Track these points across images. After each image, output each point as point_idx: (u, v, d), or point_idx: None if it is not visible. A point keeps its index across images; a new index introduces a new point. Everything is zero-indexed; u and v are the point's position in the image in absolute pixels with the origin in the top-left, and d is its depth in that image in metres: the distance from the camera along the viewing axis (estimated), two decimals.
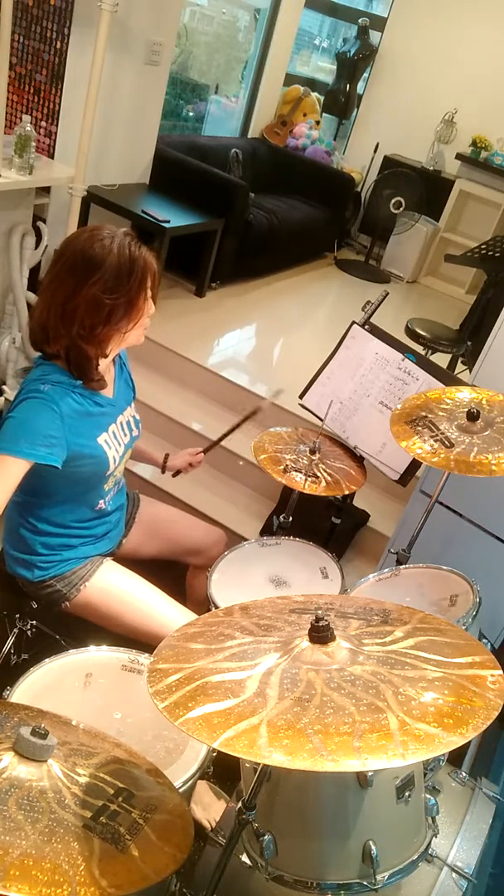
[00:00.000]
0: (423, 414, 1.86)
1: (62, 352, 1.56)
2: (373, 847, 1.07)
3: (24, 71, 3.20)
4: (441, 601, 1.71)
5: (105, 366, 1.66)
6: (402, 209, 5.24)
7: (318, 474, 2.01)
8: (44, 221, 3.20)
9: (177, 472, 2.11)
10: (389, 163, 5.61)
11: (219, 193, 3.94)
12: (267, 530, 2.79)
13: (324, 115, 5.85)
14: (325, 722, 0.85)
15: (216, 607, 1.76)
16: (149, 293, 1.58)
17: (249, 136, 5.51)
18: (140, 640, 1.69)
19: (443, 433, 1.79)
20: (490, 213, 5.45)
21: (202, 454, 2.11)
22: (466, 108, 5.37)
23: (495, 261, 3.77)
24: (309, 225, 4.98)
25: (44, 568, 1.71)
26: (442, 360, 2.87)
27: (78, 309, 1.50)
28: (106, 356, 1.63)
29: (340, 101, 5.72)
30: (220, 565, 1.91)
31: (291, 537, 2.08)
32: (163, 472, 2.09)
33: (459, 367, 3.72)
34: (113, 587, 1.74)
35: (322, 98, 5.82)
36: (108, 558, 1.81)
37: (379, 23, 5.68)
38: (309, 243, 5.16)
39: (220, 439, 2.12)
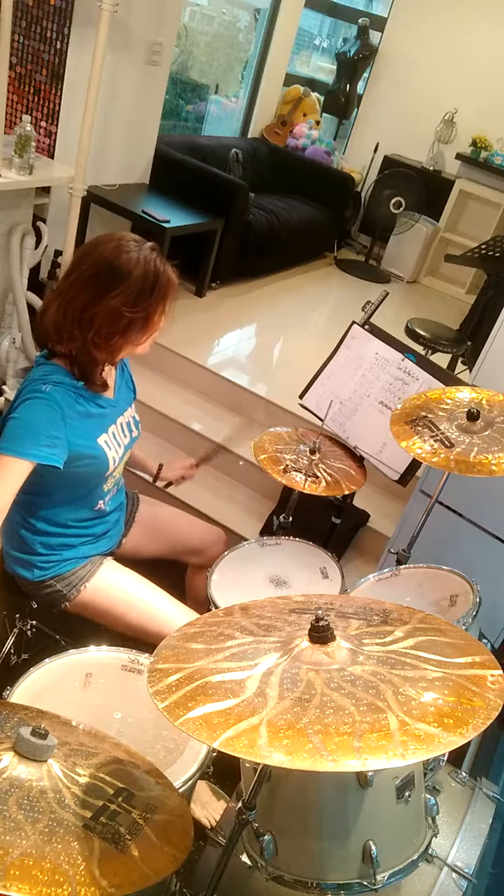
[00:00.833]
0: (423, 414, 1.86)
1: (72, 352, 1.56)
2: (373, 847, 1.07)
3: (24, 71, 3.20)
4: (441, 601, 1.71)
5: (107, 369, 1.66)
6: (402, 209, 5.24)
7: (318, 474, 2.01)
8: (44, 221, 3.20)
9: (168, 484, 2.12)
10: (389, 163, 5.62)
11: (219, 193, 3.94)
12: (267, 530, 2.79)
13: (324, 115, 5.85)
14: (325, 722, 0.85)
15: (216, 607, 1.76)
16: (166, 309, 1.58)
17: (249, 136, 5.51)
18: (141, 639, 1.69)
19: (443, 433, 1.79)
20: (490, 213, 5.45)
21: (195, 467, 2.11)
22: (466, 108, 5.37)
23: (495, 261, 3.77)
24: (309, 225, 4.98)
25: (44, 568, 1.71)
26: (442, 360, 2.87)
27: (96, 317, 1.51)
28: (114, 364, 1.65)
29: (340, 101, 5.72)
30: (220, 565, 1.91)
31: (291, 537, 2.08)
32: (154, 481, 2.08)
33: (459, 367, 3.72)
34: (113, 587, 1.74)
35: (322, 98, 5.82)
36: (108, 558, 1.81)
37: (379, 23, 5.68)
38: (309, 243, 5.16)
39: (216, 451, 2.12)
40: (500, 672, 0.93)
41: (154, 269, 1.53)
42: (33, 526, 1.69)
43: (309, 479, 1.99)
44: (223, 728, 0.85)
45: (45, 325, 1.58)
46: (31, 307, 3.19)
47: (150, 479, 2.09)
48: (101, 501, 1.74)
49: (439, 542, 2.37)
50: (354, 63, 5.58)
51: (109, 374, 1.70)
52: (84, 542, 1.76)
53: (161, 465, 2.07)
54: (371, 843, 1.08)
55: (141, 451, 2.00)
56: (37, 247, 3.17)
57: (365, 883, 1.09)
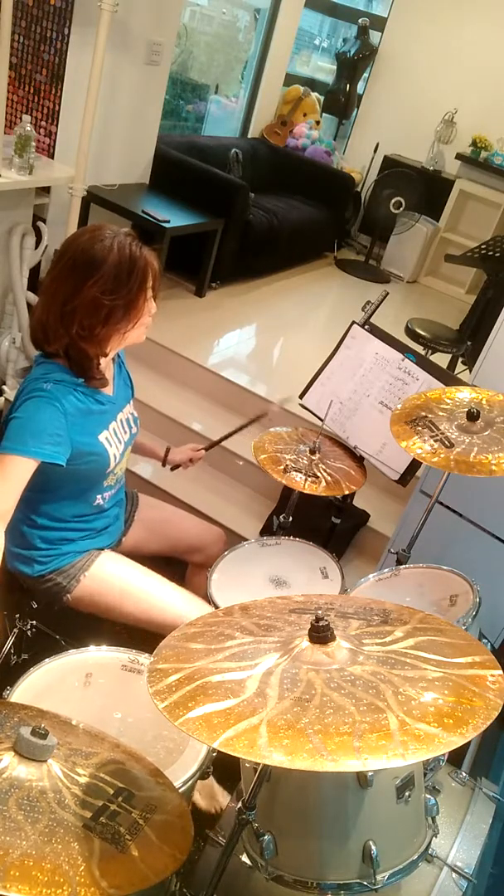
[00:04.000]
0: (423, 414, 1.86)
1: (62, 351, 1.56)
2: (373, 847, 1.07)
3: (24, 71, 3.19)
4: (441, 601, 1.71)
5: (105, 364, 1.66)
6: (402, 209, 5.24)
7: (318, 474, 2.01)
8: (44, 221, 3.20)
9: (175, 467, 2.11)
10: (389, 163, 5.62)
11: (219, 193, 3.94)
12: (267, 530, 2.78)
13: (324, 115, 5.85)
14: (325, 722, 0.85)
15: (216, 607, 1.76)
16: (149, 293, 1.58)
17: (249, 136, 5.51)
18: (145, 628, 1.69)
19: (443, 433, 1.79)
20: (490, 213, 5.45)
21: (203, 450, 2.10)
22: (466, 108, 5.37)
23: (495, 261, 3.77)
24: (309, 225, 4.98)
25: (43, 562, 1.71)
26: (442, 360, 2.87)
27: (77, 309, 1.51)
28: (106, 355, 1.63)
29: (340, 101, 5.72)
30: (220, 565, 1.91)
31: (291, 537, 2.08)
32: (163, 465, 2.09)
33: (459, 367, 3.71)
34: (112, 576, 1.74)
35: (322, 98, 5.81)
36: (106, 550, 1.81)
37: (379, 23, 5.68)
38: (309, 243, 5.16)
39: (223, 439, 2.11)
40: (500, 672, 0.93)
41: (129, 254, 1.51)
42: (34, 522, 1.70)
43: (309, 479, 1.99)
44: (223, 728, 0.85)
45: (34, 326, 1.58)
46: (31, 307, 3.19)
47: (157, 468, 2.08)
48: (99, 497, 1.75)
49: (439, 542, 2.37)
50: (354, 63, 5.58)
51: (108, 369, 1.70)
52: (83, 537, 1.76)
53: (168, 448, 2.07)
54: (371, 843, 1.08)
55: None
56: (37, 247, 3.17)
57: (365, 883, 1.09)
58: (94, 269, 1.49)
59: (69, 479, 1.64)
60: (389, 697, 0.88)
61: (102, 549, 1.81)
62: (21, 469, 1.45)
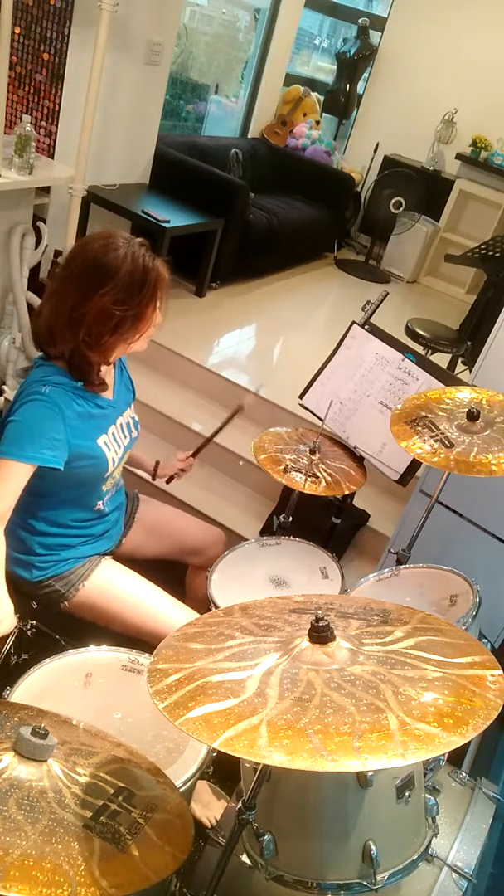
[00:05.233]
0: (423, 414, 1.86)
1: (66, 354, 1.56)
2: (373, 847, 1.07)
3: (24, 71, 3.19)
4: (441, 601, 1.71)
5: (106, 369, 1.66)
6: (402, 209, 5.24)
7: (318, 474, 2.01)
8: (44, 221, 3.20)
9: (170, 479, 2.11)
10: (389, 163, 5.62)
11: (219, 193, 3.94)
12: (267, 530, 2.78)
13: (324, 115, 5.85)
14: (325, 722, 0.85)
15: (216, 607, 1.76)
16: (158, 304, 1.57)
17: (249, 136, 5.51)
18: (140, 639, 1.69)
19: (443, 433, 1.79)
20: (490, 213, 5.45)
21: (192, 458, 2.10)
22: (466, 108, 5.37)
23: (495, 261, 3.77)
24: (309, 225, 4.98)
25: (42, 568, 1.71)
26: (442, 360, 2.87)
27: (86, 317, 1.50)
28: (109, 363, 1.64)
29: (340, 101, 5.72)
30: (220, 565, 1.91)
31: (291, 537, 2.08)
32: (153, 479, 2.08)
33: (459, 367, 3.72)
34: (112, 586, 1.74)
35: (322, 98, 5.82)
36: (106, 557, 1.81)
37: (379, 23, 5.68)
38: (309, 243, 5.16)
39: (207, 441, 2.11)
40: (500, 672, 0.93)
41: (143, 266, 1.50)
42: (32, 527, 1.69)
43: (309, 479, 1.99)
44: (223, 728, 0.85)
45: (39, 328, 1.57)
46: (31, 307, 3.19)
47: (148, 476, 2.08)
48: (100, 502, 1.74)
49: (439, 542, 2.37)
50: (354, 63, 5.58)
51: (108, 373, 1.69)
52: (83, 543, 1.76)
53: (158, 462, 2.07)
54: (371, 843, 1.08)
55: (141, 451, 2.00)
56: (37, 247, 3.17)
57: (365, 883, 1.09)
58: (106, 278, 1.48)
59: (67, 483, 1.64)
60: (389, 697, 0.88)
61: (103, 553, 1.81)
62: (18, 474, 1.45)
